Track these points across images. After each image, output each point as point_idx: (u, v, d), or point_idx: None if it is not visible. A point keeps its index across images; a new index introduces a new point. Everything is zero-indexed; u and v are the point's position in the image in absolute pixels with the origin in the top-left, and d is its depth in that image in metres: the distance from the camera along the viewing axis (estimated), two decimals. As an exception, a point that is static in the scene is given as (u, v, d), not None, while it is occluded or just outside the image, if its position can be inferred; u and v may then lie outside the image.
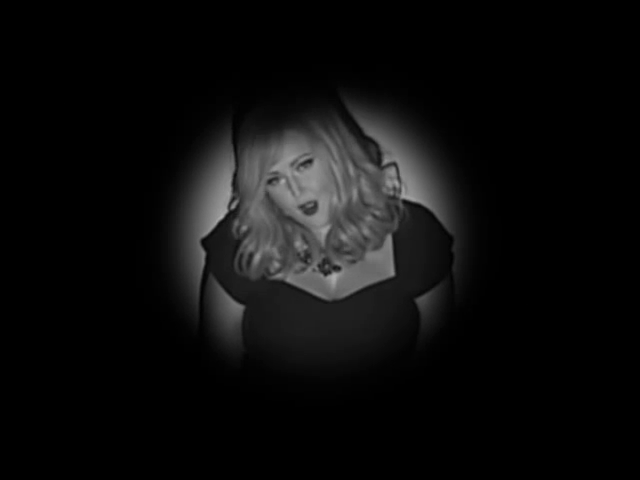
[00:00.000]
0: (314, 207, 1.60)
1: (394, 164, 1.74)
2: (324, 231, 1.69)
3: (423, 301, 1.71)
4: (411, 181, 1.81)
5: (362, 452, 1.70)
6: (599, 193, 1.90)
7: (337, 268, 1.68)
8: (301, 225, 1.67)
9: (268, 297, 1.68)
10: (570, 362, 1.95)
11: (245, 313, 1.71)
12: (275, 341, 1.65)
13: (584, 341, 1.95)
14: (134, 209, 1.92)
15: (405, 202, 1.72)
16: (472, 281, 1.90)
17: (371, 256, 1.69)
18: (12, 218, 1.90)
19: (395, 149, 1.79)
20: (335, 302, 1.66)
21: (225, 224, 1.75)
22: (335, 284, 1.68)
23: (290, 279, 1.68)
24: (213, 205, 1.87)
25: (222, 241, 1.72)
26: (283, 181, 1.59)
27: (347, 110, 1.78)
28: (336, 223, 1.64)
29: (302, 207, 1.60)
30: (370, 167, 1.65)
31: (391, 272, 1.69)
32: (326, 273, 1.69)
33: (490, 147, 1.89)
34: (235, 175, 1.68)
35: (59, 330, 1.94)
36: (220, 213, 1.80)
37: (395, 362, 1.70)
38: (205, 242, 1.78)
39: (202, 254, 1.82)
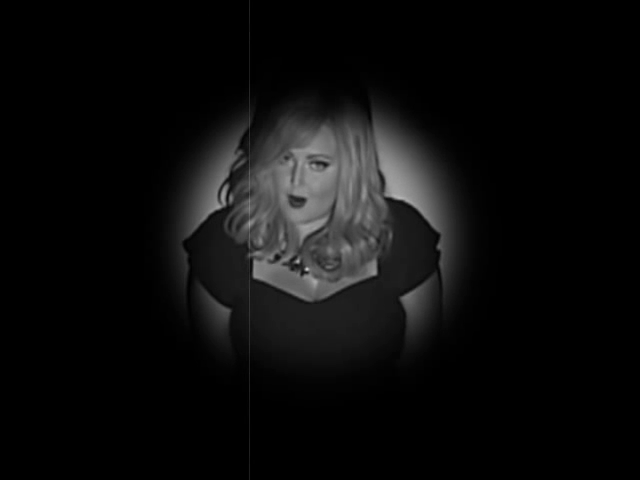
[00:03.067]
0: (301, 204, 1.58)
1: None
2: (306, 232, 1.68)
3: (409, 300, 1.69)
4: (400, 178, 1.79)
5: (350, 452, 1.69)
6: (598, 193, 1.88)
7: (306, 273, 1.67)
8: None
9: (252, 299, 1.67)
10: (563, 361, 1.93)
11: (231, 316, 1.70)
12: (261, 343, 1.64)
13: (578, 341, 1.92)
14: (124, 210, 1.90)
15: (388, 199, 1.70)
16: (462, 279, 1.89)
17: None
18: (10, 216, 1.89)
19: (383, 144, 1.77)
20: (317, 303, 1.65)
21: (208, 226, 1.74)
22: (316, 285, 1.67)
23: (272, 281, 1.67)
24: (198, 207, 1.85)
25: (205, 244, 1.71)
26: (291, 164, 1.57)
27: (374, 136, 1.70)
28: (339, 235, 1.62)
29: (292, 197, 1.58)
30: (379, 199, 1.63)
31: (373, 271, 1.67)
32: (302, 273, 1.67)
33: (484, 145, 1.88)
34: (248, 133, 1.66)
35: (48, 330, 1.94)
36: (204, 215, 1.78)
37: (382, 361, 1.69)
38: (187, 244, 1.76)
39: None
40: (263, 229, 1.66)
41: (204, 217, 1.78)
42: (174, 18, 1.82)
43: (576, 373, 1.92)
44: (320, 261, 1.65)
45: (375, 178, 1.62)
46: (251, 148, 1.63)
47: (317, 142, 1.54)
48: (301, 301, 1.65)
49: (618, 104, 1.84)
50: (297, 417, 1.68)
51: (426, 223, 1.74)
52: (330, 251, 1.64)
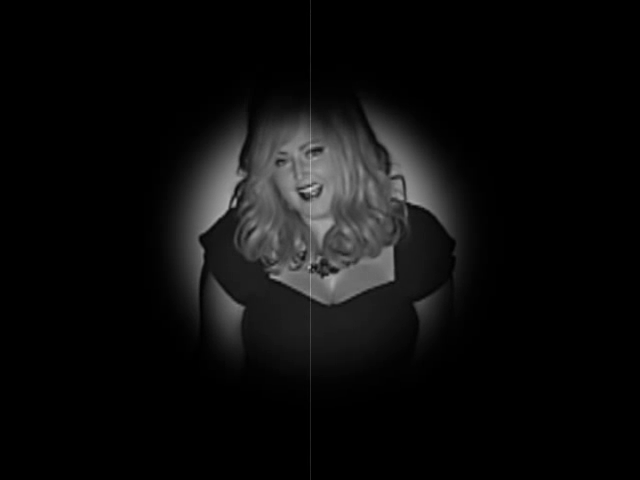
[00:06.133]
0: (317, 193, 1.59)
1: (401, 177, 1.72)
2: (323, 231, 1.68)
3: (422, 305, 1.70)
4: (413, 183, 1.79)
5: (359, 455, 1.70)
6: (600, 194, 1.89)
7: (334, 270, 1.68)
8: (300, 220, 1.67)
9: (267, 299, 1.68)
10: (571, 365, 1.95)
11: (245, 314, 1.71)
12: (274, 343, 1.65)
13: (585, 344, 1.94)
14: (135, 206, 1.90)
15: (406, 205, 1.70)
16: (472, 285, 1.90)
17: (371, 260, 1.68)
18: (12, 218, 1.89)
19: (396, 150, 1.77)
20: (334, 306, 1.65)
21: (225, 222, 1.74)
22: (334, 288, 1.68)
23: (289, 281, 1.67)
24: (215, 203, 1.85)
25: (222, 239, 1.71)
26: (289, 164, 1.58)
27: (365, 114, 1.73)
28: (339, 217, 1.63)
29: (301, 191, 1.59)
30: (380, 174, 1.65)
31: (390, 276, 1.68)
32: (322, 274, 1.68)
33: (492, 149, 1.89)
34: (244, 149, 1.66)
35: (57, 330, 1.94)
36: (221, 211, 1.80)
37: (394, 366, 1.70)
38: (203, 239, 1.76)
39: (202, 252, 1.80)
40: (275, 243, 1.67)
41: (222, 213, 1.79)
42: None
43: (584, 382, 1.94)
44: (340, 250, 1.66)
45: (370, 154, 1.62)
46: (245, 162, 1.66)
47: (302, 131, 1.56)
48: (317, 304, 1.65)
49: (619, 104, 1.85)
50: (303, 418, 1.68)
51: (442, 229, 1.75)
52: (347, 231, 1.64)
